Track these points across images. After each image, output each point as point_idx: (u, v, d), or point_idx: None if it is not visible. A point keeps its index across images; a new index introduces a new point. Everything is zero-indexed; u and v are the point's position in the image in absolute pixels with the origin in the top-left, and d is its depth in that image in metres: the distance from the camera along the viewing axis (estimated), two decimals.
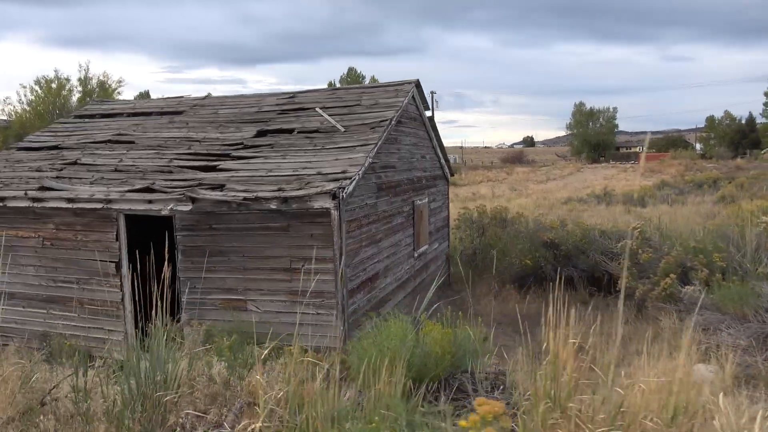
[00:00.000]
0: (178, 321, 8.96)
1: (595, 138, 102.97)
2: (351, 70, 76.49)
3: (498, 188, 48.24)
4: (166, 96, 12.86)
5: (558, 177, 62.66)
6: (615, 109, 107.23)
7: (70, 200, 8.87)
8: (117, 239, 8.79)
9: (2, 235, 9.62)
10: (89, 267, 9.04)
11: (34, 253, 9.39)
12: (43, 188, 9.19)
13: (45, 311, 9.40)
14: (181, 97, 12.69)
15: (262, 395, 2.90)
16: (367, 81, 71.11)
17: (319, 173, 8.11)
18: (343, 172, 7.98)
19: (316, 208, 7.64)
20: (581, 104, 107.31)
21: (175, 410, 3.81)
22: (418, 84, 10.94)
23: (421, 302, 11.12)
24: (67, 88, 21.60)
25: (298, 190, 7.71)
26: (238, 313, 8.18)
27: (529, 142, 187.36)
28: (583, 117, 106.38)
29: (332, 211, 7.57)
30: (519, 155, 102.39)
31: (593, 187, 42.72)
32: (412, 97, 10.95)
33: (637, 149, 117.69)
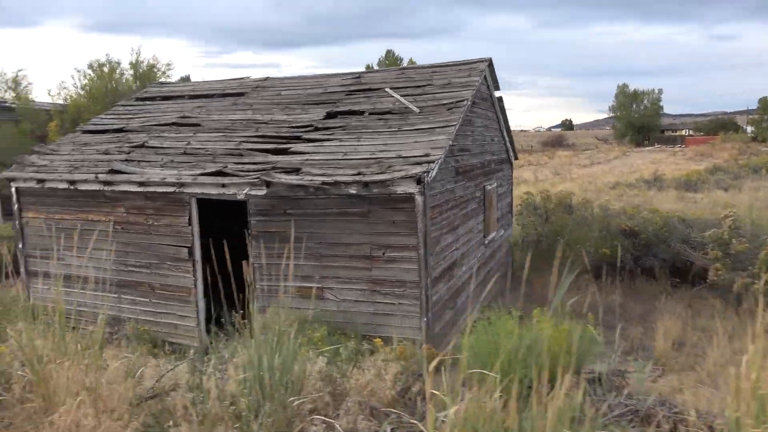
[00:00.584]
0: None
1: (639, 121, 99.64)
2: (389, 52, 75.14)
3: (540, 172, 47.07)
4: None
5: (603, 161, 60.91)
6: (660, 90, 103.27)
7: (141, 184, 8.72)
8: (189, 223, 8.60)
9: (73, 219, 9.58)
10: (161, 252, 8.91)
11: (106, 237, 9.30)
12: (113, 171, 9.06)
13: (116, 296, 9.34)
14: (242, 78, 12.44)
15: (431, 410, 2.53)
16: (405, 63, 70.12)
17: (399, 156, 7.71)
18: (425, 155, 7.57)
19: (399, 193, 7.26)
20: (625, 86, 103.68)
21: (300, 415, 3.50)
22: (490, 63, 10.40)
23: (488, 291, 10.66)
24: (118, 71, 21.67)
25: (379, 174, 7.34)
26: (313, 301, 7.92)
27: (567, 125, 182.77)
28: (626, 99, 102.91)
29: (416, 197, 7.18)
30: (559, 139, 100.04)
31: (641, 172, 41.29)
32: (484, 76, 10.40)
33: (683, 132, 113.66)
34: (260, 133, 9.41)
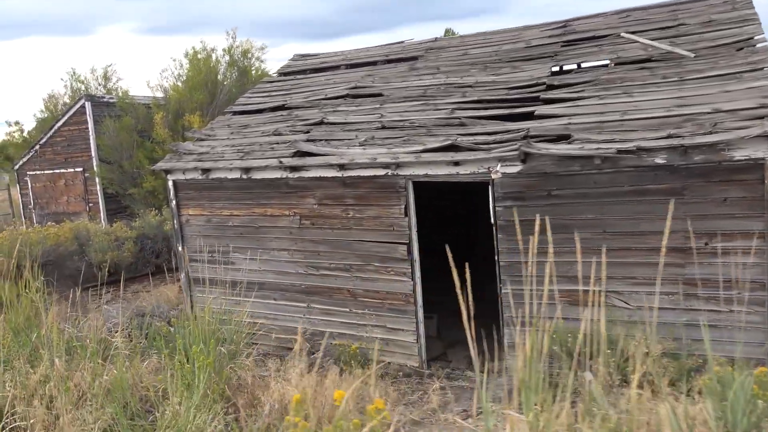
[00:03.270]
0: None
1: None
2: (448, 31, 72.40)
3: None
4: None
5: None
6: None
7: (341, 167, 7.00)
8: (405, 214, 6.83)
9: (247, 215, 8.00)
10: (364, 250, 7.19)
11: (289, 234, 7.68)
12: (300, 154, 7.39)
13: (305, 305, 7.72)
14: (400, 42, 10.62)
15: None
16: None
17: (716, 111, 5.66)
18: (761, 106, 5.48)
19: (738, 160, 5.23)
20: None
21: None
22: None
23: None
24: (214, 58, 20.34)
25: (705, 134, 5.32)
26: (585, 308, 6.01)
27: None
28: None
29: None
30: None
31: None
32: None
33: None
34: (472, 98, 7.52)
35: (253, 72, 21.41)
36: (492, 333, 7.93)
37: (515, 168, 6.12)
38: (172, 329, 7.02)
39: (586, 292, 6.03)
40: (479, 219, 10.39)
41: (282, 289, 7.86)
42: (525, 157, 6.03)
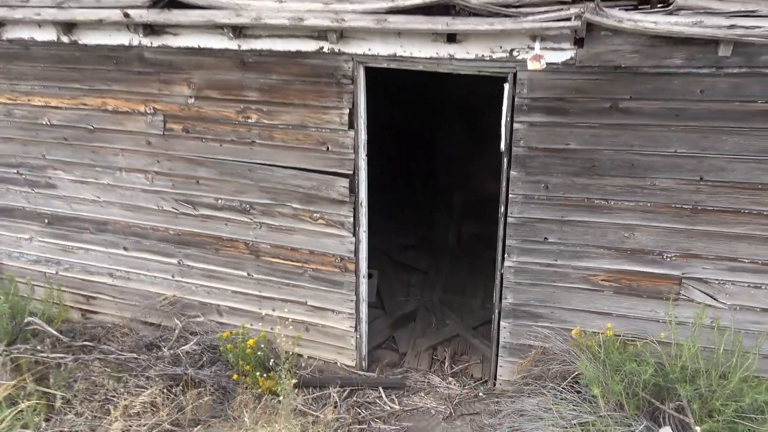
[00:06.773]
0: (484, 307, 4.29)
1: None
2: None
3: None
4: None
5: None
6: None
7: (237, 31, 3.89)
8: (350, 125, 3.95)
9: (72, 107, 4.75)
10: (275, 181, 4.29)
11: (146, 146, 4.54)
12: (165, 3, 4.12)
13: (174, 261, 4.78)
14: None
15: None
16: None
17: None
18: None
19: None
20: None
21: None
22: None
23: None
24: None
25: None
26: (643, 302, 3.65)
27: None
28: None
29: None
30: None
31: None
32: None
33: None
34: None
35: None
36: (465, 303, 5.49)
37: (562, 55, 3.37)
38: None
39: (651, 275, 3.63)
40: (437, 138, 7.69)
41: (137, 234, 4.83)
42: (584, 35, 3.28)
